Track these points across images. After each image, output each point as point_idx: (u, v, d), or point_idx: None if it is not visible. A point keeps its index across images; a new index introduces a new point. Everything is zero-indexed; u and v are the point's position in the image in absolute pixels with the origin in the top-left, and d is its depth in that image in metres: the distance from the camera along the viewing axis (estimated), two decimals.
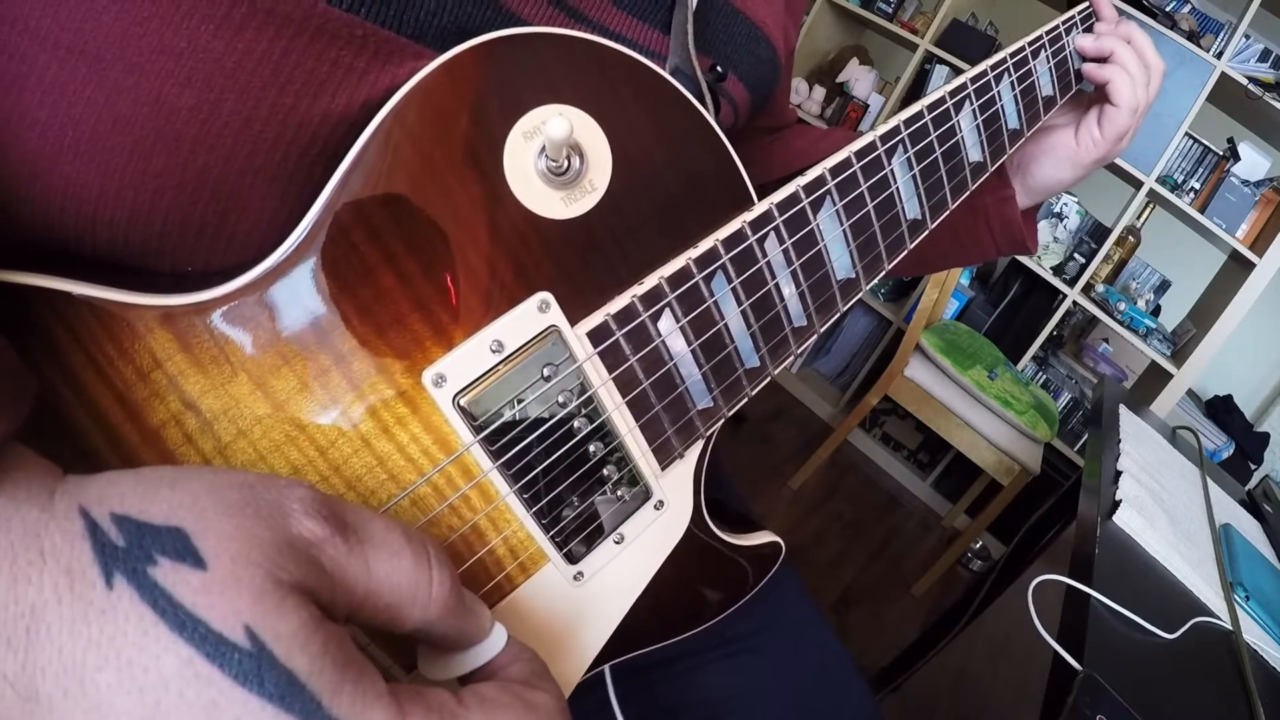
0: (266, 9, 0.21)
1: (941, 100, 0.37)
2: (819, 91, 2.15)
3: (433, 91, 0.23)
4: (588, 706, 0.37)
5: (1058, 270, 1.81)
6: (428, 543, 0.21)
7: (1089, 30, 0.47)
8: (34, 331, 0.20)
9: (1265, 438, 1.87)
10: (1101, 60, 0.45)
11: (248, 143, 0.22)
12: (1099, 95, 0.46)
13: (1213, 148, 1.65)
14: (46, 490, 0.17)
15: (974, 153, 0.40)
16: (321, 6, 0.22)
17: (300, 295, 0.23)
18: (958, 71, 1.93)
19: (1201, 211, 1.64)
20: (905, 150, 0.35)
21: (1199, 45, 1.59)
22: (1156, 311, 1.89)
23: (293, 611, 0.17)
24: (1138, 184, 1.68)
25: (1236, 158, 1.61)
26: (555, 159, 0.25)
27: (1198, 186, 1.67)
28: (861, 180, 0.34)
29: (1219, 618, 0.59)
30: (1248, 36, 1.55)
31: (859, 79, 2.10)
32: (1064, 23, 0.46)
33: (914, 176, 0.36)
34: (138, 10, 0.20)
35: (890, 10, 2.00)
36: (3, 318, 0.20)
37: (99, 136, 0.21)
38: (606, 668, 0.37)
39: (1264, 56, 1.55)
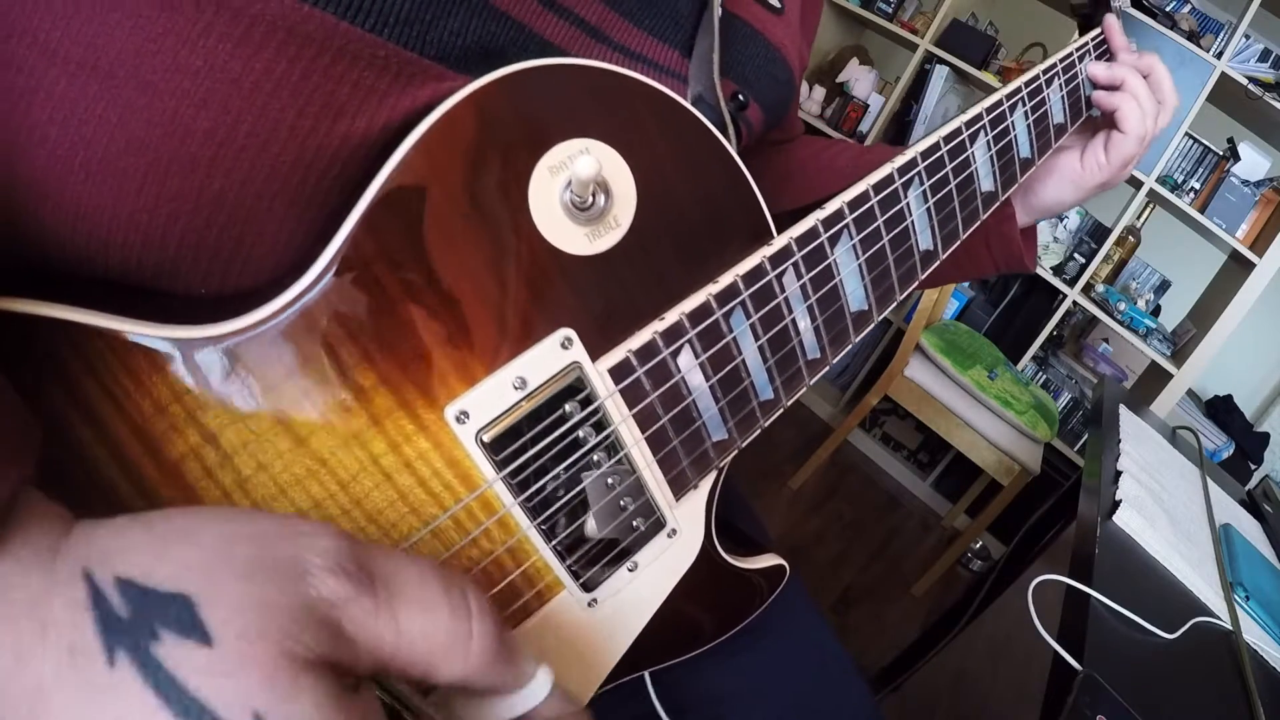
0: (287, 28, 0.20)
1: (958, 131, 0.37)
2: (819, 91, 2.14)
3: (457, 122, 0.23)
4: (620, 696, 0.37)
5: (1058, 270, 1.82)
6: (469, 591, 0.20)
7: (1101, 57, 0.47)
8: (48, 363, 0.20)
9: (1265, 438, 1.87)
10: (1113, 88, 0.46)
11: (265, 166, 0.22)
12: (1107, 121, 0.47)
13: (1213, 148, 1.65)
14: (50, 549, 0.16)
15: (986, 183, 0.40)
16: (344, 26, 0.21)
17: (321, 328, 0.23)
18: (957, 71, 1.92)
19: (1201, 211, 1.64)
20: (921, 183, 0.35)
21: (1199, 45, 1.59)
22: (1156, 311, 1.90)
23: (307, 691, 0.16)
24: (1138, 184, 1.68)
25: (1236, 158, 1.62)
26: (581, 195, 0.25)
27: (1198, 186, 1.68)
28: (878, 214, 0.34)
29: (1219, 618, 0.59)
30: (1248, 36, 1.55)
31: (859, 79, 2.09)
32: (1078, 50, 0.46)
33: (929, 209, 0.36)
34: (152, 26, 0.19)
35: (890, 10, 1.99)
36: (15, 348, 0.20)
37: (111, 157, 0.20)
38: (646, 672, 0.37)
39: (1264, 56, 1.55)
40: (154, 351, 0.21)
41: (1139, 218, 1.76)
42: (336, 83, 0.22)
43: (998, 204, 0.42)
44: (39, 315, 0.20)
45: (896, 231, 0.35)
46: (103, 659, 0.15)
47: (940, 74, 1.94)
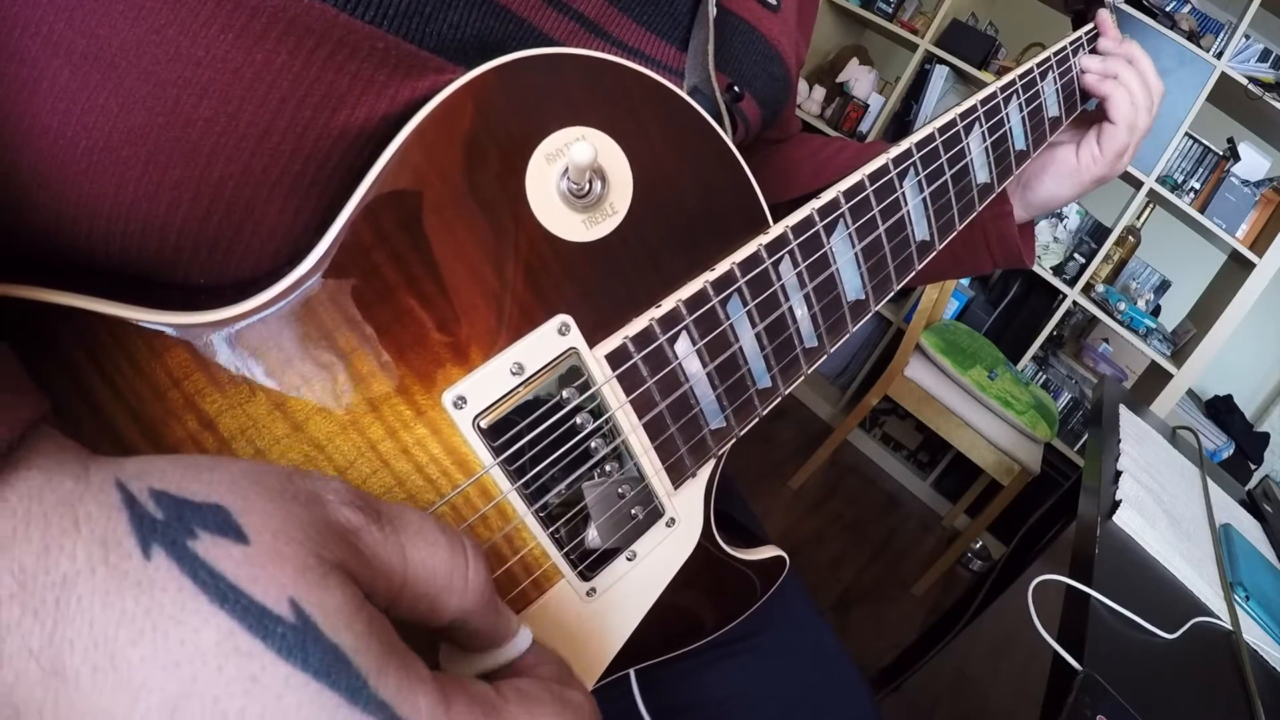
0: (288, 19, 0.21)
1: (952, 123, 0.37)
2: (819, 91, 2.15)
3: (455, 111, 0.23)
4: (606, 698, 0.37)
5: (1058, 270, 1.82)
6: (462, 534, 0.21)
7: (1094, 50, 0.47)
8: (49, 348, 0.20)
9: (1265, 438, 1.87)
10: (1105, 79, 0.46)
11: (265, 155, 0.22)
12: (1099, 114, 0.47)
13: (1213, 148, 1.66)
14: (81, 463, 0.16)
15: (982, 174, 0.40)
16: (344, 18, 0.21)
17: (319, 315, 0.23)
18: (957, 71, 1.93)
19: (1201, 211, 1.64)
20: (917, 173, 0.36)
21: (1199, 45, 1.59)
22: (1156, 311, 1.90)
23: (337, 588, 0.17)
24: (1138, 184, 1.69)
25: (1236, 158, 1.62)
26: (578, 182, 0.25)
27: (1198, 186, 1.68)
28: (874, 203, 0.34)
29: (1219, 618, 0.59)
30: (1248, 36, 1.56)
31: (859, 79, 2.10)
32: (1071, 43, 0.46)
33: (924, 199, 0.36)
34: (154, 17, 0.19)
35: (890, 10, 2.00)
36: (16, 333, 0.20)
37: (113, 145, 0.20)
38: (631, 670, 0.38)
39: (1264, 56, 1.55)
40: (153, 336, 0.21)
41: (1139, 218, 1.77)
42: (336, 73, 0.22)
43: (994, 195, 0.42)
44: (39, 300, 0.20)
45: (892, 221, 0.35)
46: (138, 553, 0.15)
47: (940, 74, 1.95)
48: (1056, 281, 1.79)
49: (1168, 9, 1.60)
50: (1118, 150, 0.46)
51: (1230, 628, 0.58)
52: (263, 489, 0.17)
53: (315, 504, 0.18)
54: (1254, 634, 0.59)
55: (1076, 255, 1.80)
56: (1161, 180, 1.67)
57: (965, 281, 2.03)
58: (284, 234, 0.24)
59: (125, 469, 0.17)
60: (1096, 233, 1.81)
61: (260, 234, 0.23)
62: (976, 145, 0.39)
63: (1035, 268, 1.82)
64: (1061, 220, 1.83)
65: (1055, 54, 0.45)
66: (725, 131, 0.29)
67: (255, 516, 0.17)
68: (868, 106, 2.07)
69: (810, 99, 2.15)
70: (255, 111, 0.21)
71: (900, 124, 2.05)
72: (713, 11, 0.32)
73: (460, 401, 0.25)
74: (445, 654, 0.23)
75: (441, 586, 0.20)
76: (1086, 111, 0.49)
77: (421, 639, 0.21)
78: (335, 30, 0.21)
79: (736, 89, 0.33)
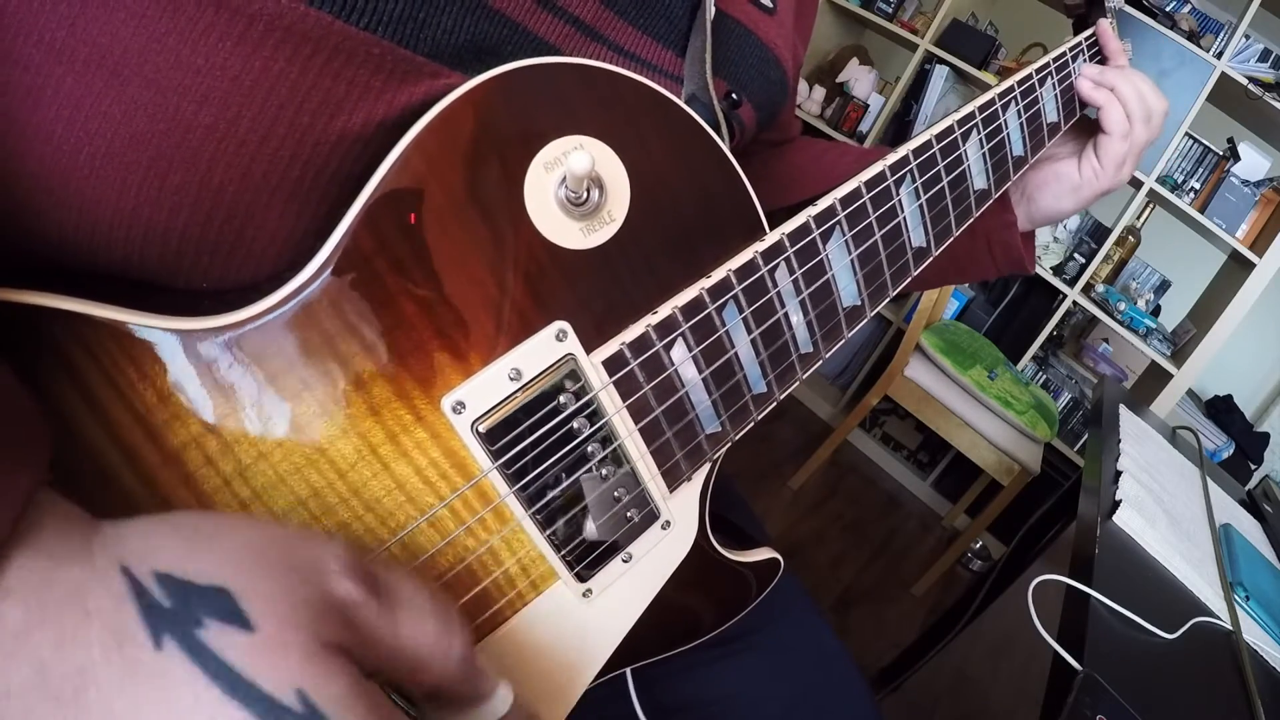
0: (284, 27, 0.21)
1: (950, 130, 0.37)
2: (819, 91, 2.15)
3: (454, 120, 0.23)
4: (604, 697, 0.37)
5: (1058, 270, 1.82)
6: (450, 608, 0.22)
7: (1095, 57, 0.47)
8: (53, 353, 0.21)
9: (1265, 438, 1.87)
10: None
11: (265, 161, 0.22)
12: (1097, 125, 0.47)
13: (1213, 148, 1.65)
14: (85, 546, 0.17)
15: (979, 181, 0.40)
16: (339, 25, 0.22)
17: (321, 320, 0.23)
18: (957, 71, 1.93)
19: (1201, 211, 1.64)
20: (913, 180, 0.36)
21: (1199, 45, 1.59)
22: (1156, 311, 1.90)
23: (340, 673, 0.17)
24: (1138, 184, 1.68)
25: (1236, 158, 1.62)
26: (576, 191, 0.25)
27: (1198, 186, 1.68)
28: (870, 210, 0.34)
29: (1219, 618, 0.59)
30: (1248, 36, 1.56)
31: (859, 79, 2.10)
32: (1071, 49, 0.46)
33: (921, 206, 0.37)
34: (155, 26, 0.20)
35: (890, 10, 2.00)
36: (21, 339, 0.20)
37: (115, 152, 0.21)
38: (628, 669, 0.38)
39: (1264, 56, 1.55)
40: (157, 341, 0.21)
41: (1139, 218, 1.77)
42: (333, 80, 0.22)
43: (990, 201, 0.42)
44: (44, 306, 0.20)
45: (889, 228, 0.35)
46: (149, 643, 0.16)
47: (940, 74, 1.94)
48: (1056, 281, 1.79)
49: (1168, 9, 1.60)
50: (1115, 160, 0.46)
51: (1230, 628, 0.58)
52: (265, 564, 0.18)
53: (317, 578, 0.19)
54: (1254, 634, 0.59)
55: (1076, 255, 1.80)
56: (1161, 180, 1.67)
57: (966, 284, 2.03)
58: (285, 239, 0.24)
59: (127, 548, 0.17)
60: (1096, 233, 1.81)
61: (261, 239, 0.24)
62: (974, 152, 0.39)
63: (1035, 268, 1.82)
64: (1062, 220, 1.83)
65: (1055, 60, 0.45)
66: (723, 140, 0.29)
67: (259, 601, 0.17)
68: (868, 106, 2.06)
69: (810, 99, 2.15)
70: (254, 118, 0.22)
71: (900, 124, 2.05)
72: (710, 16, 0.32)
73: (459, 406, 0.25)
74: (430, 716, 0.24)
75: (426, 658, 0.21)
76: (1088, 120, 0.49)
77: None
78: (331, 37, 0.22)
79: (734, 96, 0.33)
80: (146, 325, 0.21)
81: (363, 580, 0.19)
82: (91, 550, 0.17)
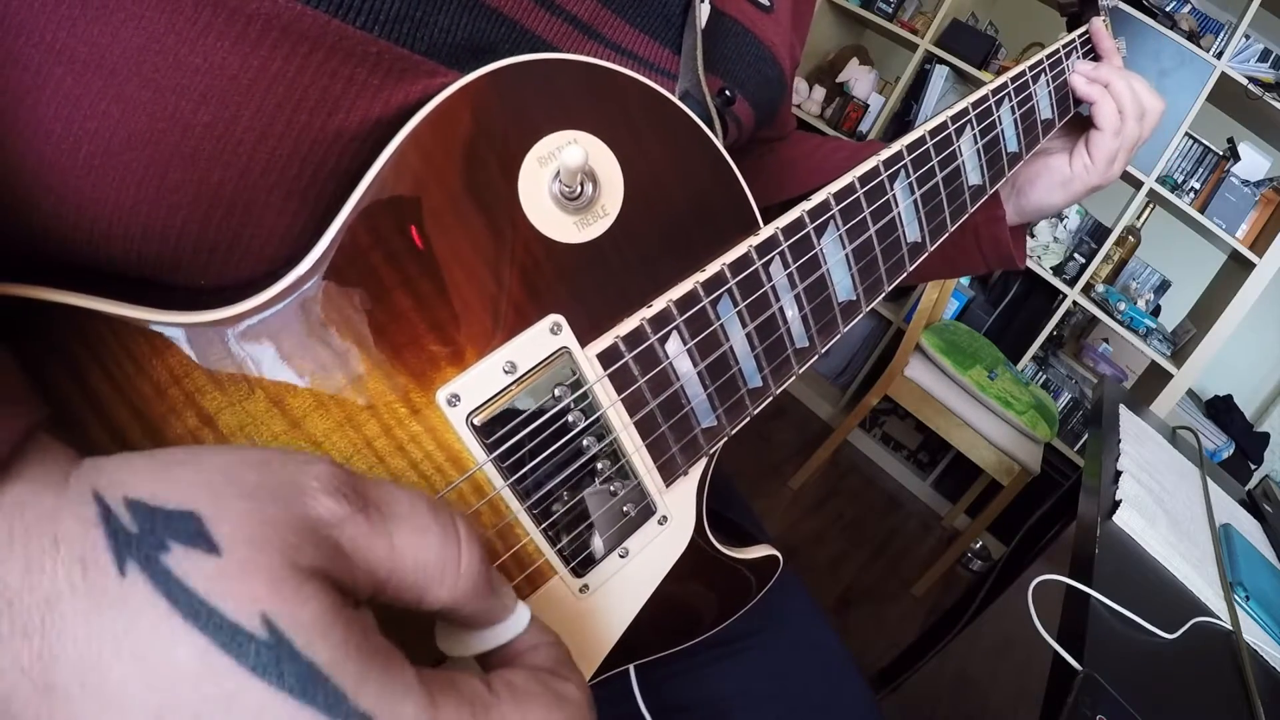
0: (282, 26, 0.21)
1: (944, 125, 0.37)
2: (819, 91, 2.15)
3: (449, 115, 0.23)
4: (605, 697, 0.37)
5: (1058, 270, 1.82)
6: (456, 518, 0.21)
7: (1089, 54, 0.48)
8: (51, 346, 0.21)
9: (1265, 438, 1.87)
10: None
11: (263, 159, 0.22)
12: (1089, 121, 0.47)
13: (1213, 148, 1.66)
14: (62, 474, 0.17)
15: (974, 176, 0.40)
16: (336, 24, 0.22)
17: (317, 314, 0.23)
18: (957, 71, 1.93)
19: (1201, 211, 1.64)
20: (908, 175, 0.36)
21: (1199, 45, 1.59)
22: (1156, 311, 1.89)
23: (312, 598, 0.16)
24: (1138, 184, 1.68)
25: (1236, 158, 1.62)
26: (569, 185, 0.25)
27: (1198, 186, 1.68)
28: (864, 205, 0.34)
29: (1219, 618, 0.59)
30: (1248, 36, 1.56)
31: (859, 79, 2.10)
32: (1065, 47, 0.46)
33: (915, 201, 0.37)
34: (153, 26, 0.20)
35: (890, 10, 2.00)
36: (19, 332, 0.20)
37: (113, 151, 0.21)
38: (631, 666, 0.38)
39: (1264, 56, 1.55)
40: (154, 335, 0.22)
41: (1139, 218, 1.77)
42: (330, 78, 0.22)
43: (986, 197, 0.42)
44: (42, 300, 0.20)
45: (883, 223, 0.35)
46: (114, 570, 0.16)
47: (940, 74, 1.95)
48: (1056, 281, 1.79)
49: (1168, 9, 1.60)
50: (1107, 156, 0.46)
51: (1230, 628, 0.58)
52: (238, 487, 0.17)
53: (294, 499, 0.18)
54: (1254, 634, 0.59)
55: (1076, 255, 1.80)
56: (1161, 180, 1.67)
57: (965, 281, 2.03)
58: (283, 236, 0.24)
59: (103, 474, 0.17)
60: (1096, 233, 1.81)
61: (259, 237, 0.24)
62: (968, 147, 0.39)
63: (1035, 267, 1.82)
64: (1061, 220, 1.83)
65: (1048, 56, 0.45)
66: (716, 135, 0.29)
67: (228, 524, 0.16)
68: (868, 106, 2.07)
69: (810, 99, 2.15)
70: (252, 116, 0.22)
71: (900, 124, 2.05)
72: (703, 14, 0.32)
73: (454, 399, 0.25)
74: (441, 631, 0.23)
75: (431, 577, 0.19)
76: (1080, 116, 0.49)
77: (418, 617, 0.20)
78: (328, 36, 0.22)
79: (729, 93, 0.33)
80: (143, 319, 0.21)
81: (346, 497, 0.18)
82: (68, 478, 0.17)
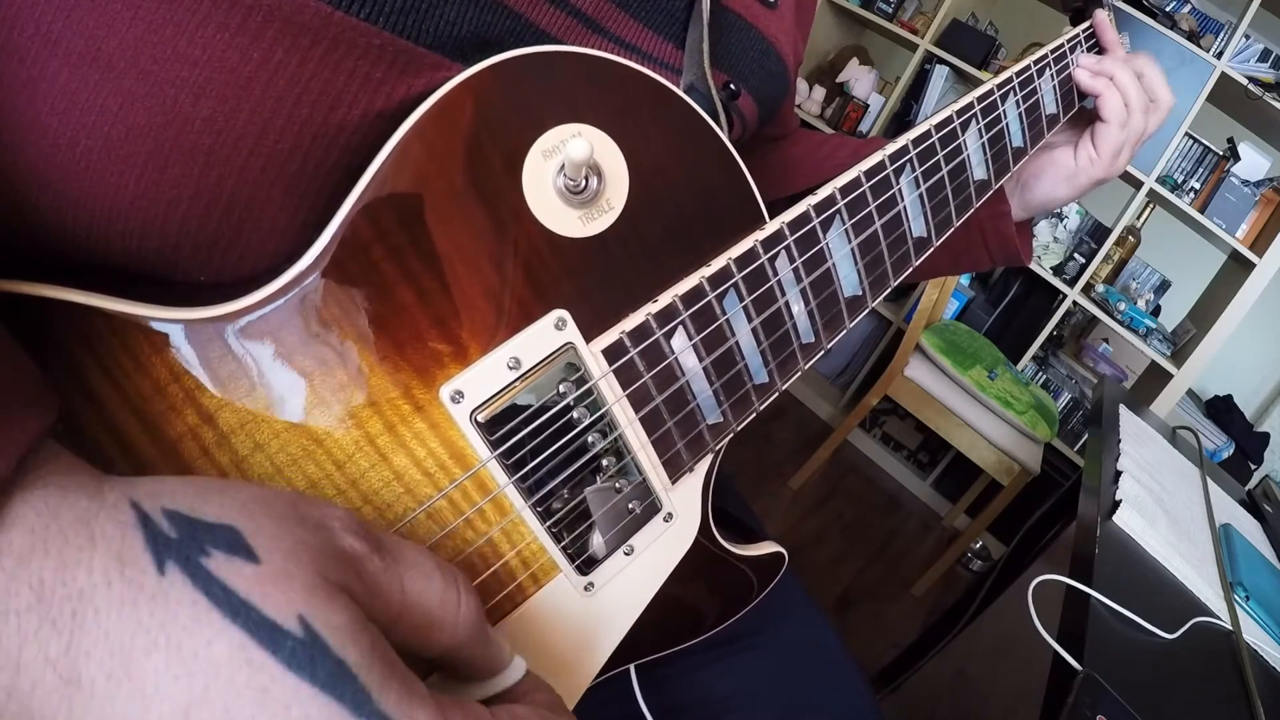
0: (283, 18, 0.21)
1: (949, 120, 0.37)
2: (819, 91, 2.15)
3: (452, 108, 0.23)
4: (607, 697, 0.37)
5: (1058, 270, 1.82)
6: (456, 570, 0.22)
7: (1093, 49, 0.48)
8: (50, 344, 0.20)
9: (1265, 438, 1.87)
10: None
11: (263, 153, 0.22)
12: (1094, 113, 0.47)
13: (1213, 148, 1.66)
14: (95, 482, 0.17)
15: (979, 171, 0.40)
16: (338, 16, 0.21)
17: (318, 310, 0.23)
18: (957, 71, 1.93)
19: (1201, 211, 1.64)
20: (913, 170, 0.36)
21: (1199, 45, 1.59)
22: (1156, 311, 1.90)
23: (343, 608, 0.17)
24: (1138, 184, 1.69)
25: (1236, 158, 1.62)
26: (574, 178, 0.25)
27: (1198, 186, 1.68)
28: (870, 199, 0.34)
29: (1219, 618, 0.59)
30: (1248, 36, 1.56)
31: (859, 79, 2.10)
32: (1069, 41, 0.46)
33: (921, 195, 0.37)
34: (152, 18, 0.20)
35: (890, 10, 2.00)
36: (17, 329, 0.20)
37: (112, 145, 0.21)
38: (632, 665, 0.38)
39: (1264, 56, 1.55)
40: (154, 332, 0.21)
41: (1139, 218, 1.77)
42: (333, 71, 0.22)
43: (991, 192, 0.42)
44: (40, 296, 0.20)
45: (889, 217, 0.35)
46: (153, 568, 0.16)
47: (940, 74, 1.95)
48: (1056, 281, 1.79)
49: (1168, 9, 1.60)
50: (1112, 149, 0.46)
51: (1230, 628, 0.58)
52: (271, 513, 0.18)
53: (321, 529, 0.19)
54: (1254, 634, 0.59)
55: (1076, 255, 1.80)
56: (1161, 180, 1.67)
57: (965, 281, 2.03)
58: (283, 232, 0.24)
59: (138, 489, 0.17)
60: (1096, 233, 1.81)
61: (260, 232, 0.23)
62: (974, 142, 0.39)
63: (1035, 268, 1.82)
64: (1061, 220, 1.83)
65: (1053, 51, 0.45)
66: (722, 129, 0.29)
67: (265, 539, 0.17)
68: (868, 106, 2.07)
69: (810, 99, 2.15)
70: (253, 110, 0.21)
71: (900, 124, 2.05)
72: (707, 8, 0.32)
73: (457, 396, 0.25)
74: (439, 684, 0.23)
75: (435, 619, 0.21)
76: (1085, 110, 0.49)
77: (419, 667, 0.21)
78: (331, 28, 0.22)
79: (733, 87, 0.33)
80: (141, 315, 0.21)
81: (365, 539, 0.20)
82: (102, 487, 0.17)
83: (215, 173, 0.22)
